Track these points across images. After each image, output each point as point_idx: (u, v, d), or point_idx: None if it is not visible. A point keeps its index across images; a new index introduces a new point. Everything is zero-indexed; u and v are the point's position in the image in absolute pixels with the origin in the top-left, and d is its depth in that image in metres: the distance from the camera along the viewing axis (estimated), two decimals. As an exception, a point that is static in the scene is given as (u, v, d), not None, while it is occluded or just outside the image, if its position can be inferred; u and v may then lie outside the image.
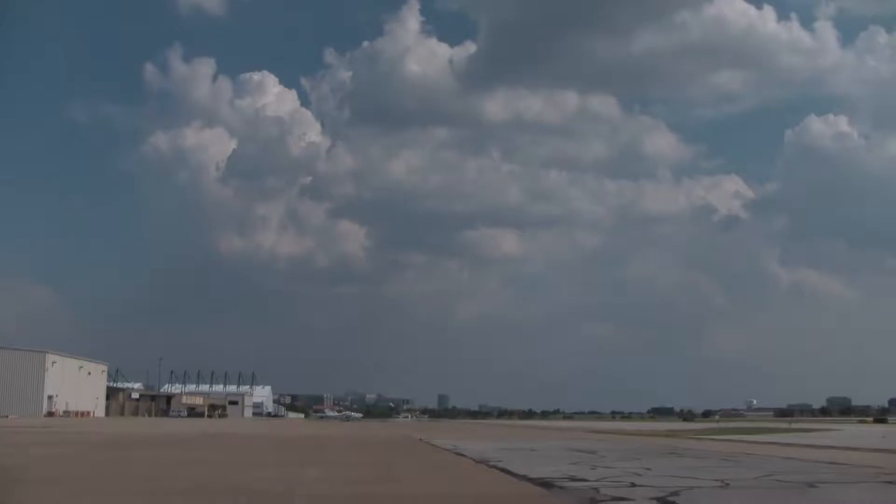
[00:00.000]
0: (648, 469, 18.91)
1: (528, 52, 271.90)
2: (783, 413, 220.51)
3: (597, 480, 15.67)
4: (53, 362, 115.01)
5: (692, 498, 12.53)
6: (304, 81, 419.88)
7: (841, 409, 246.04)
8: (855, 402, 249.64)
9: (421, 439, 41.42)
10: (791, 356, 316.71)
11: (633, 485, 14.86)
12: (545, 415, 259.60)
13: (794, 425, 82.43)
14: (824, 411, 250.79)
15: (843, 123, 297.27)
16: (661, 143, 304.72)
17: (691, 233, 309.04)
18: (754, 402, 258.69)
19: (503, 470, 18.89)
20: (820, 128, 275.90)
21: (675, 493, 13.02)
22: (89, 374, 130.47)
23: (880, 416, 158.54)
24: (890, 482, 15.63)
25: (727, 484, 15.19)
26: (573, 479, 16.24)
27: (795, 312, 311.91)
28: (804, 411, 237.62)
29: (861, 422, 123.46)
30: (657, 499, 12.36)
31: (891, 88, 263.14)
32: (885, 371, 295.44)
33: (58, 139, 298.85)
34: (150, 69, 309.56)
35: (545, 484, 15.07)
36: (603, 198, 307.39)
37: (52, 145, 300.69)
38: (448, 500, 13.01)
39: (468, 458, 24.02)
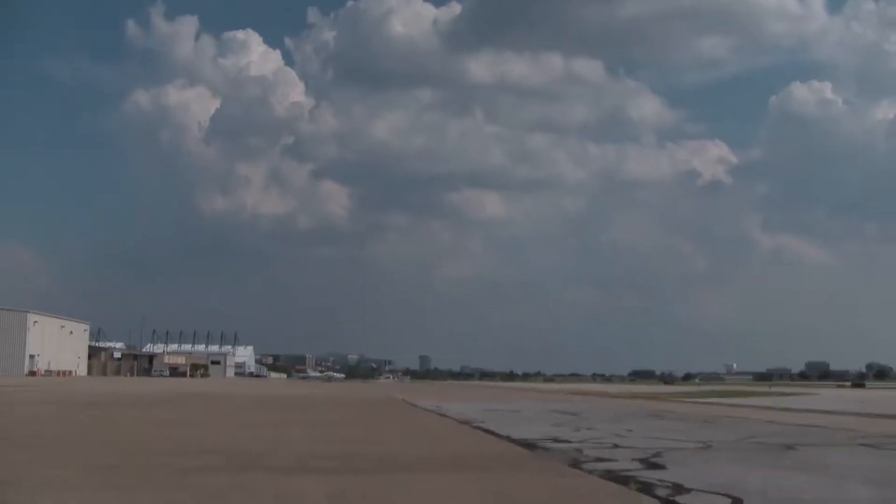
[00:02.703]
0: (630, 431, 19.07)
1: (514, 14, 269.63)
2: (762, 377, 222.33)
3: (580, 442, 15.78)
4: (35, 322, 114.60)
5: (674, 459, 12.61)
6: (287, 41, 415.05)
7: (819, 373, 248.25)
8: (833, 367, 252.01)
9: (403, 400, 41.59)
10: (771, 321, 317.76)
11: (616, 446, 14.99)
12: (526, 377, 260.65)
13: (773, 389, 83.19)
14: (803, 376, 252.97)
15: (827, 90, 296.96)
16: (646, 107, 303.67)
17: (675, 197, 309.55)
18: (734, 365, 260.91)
19: (486, 431, 19.00)
20: (804, 94, 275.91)
21: (658, 454, 13.12)
22: (71, 333, 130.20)
23: (858, 381, 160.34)
24: (867, 445, 15.78)
25: (709, 445, 15.34)
26: (556, 440, 16.35)
27: (776, 278, 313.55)
28: (783, 375, 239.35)
29: (839, 386, 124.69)
30: (640, 460, 12.44)
31: (875, 55, 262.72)
32: (863, 336, 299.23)
33: (38, 97, 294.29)
34: (131, 26, 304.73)
35: (528, 445, 15.15)
36: (586, 161, 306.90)
37: (33, 104, 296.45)
38: (432, 461, 13.05)
39: (451, 419, 24.14)
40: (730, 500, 8.76)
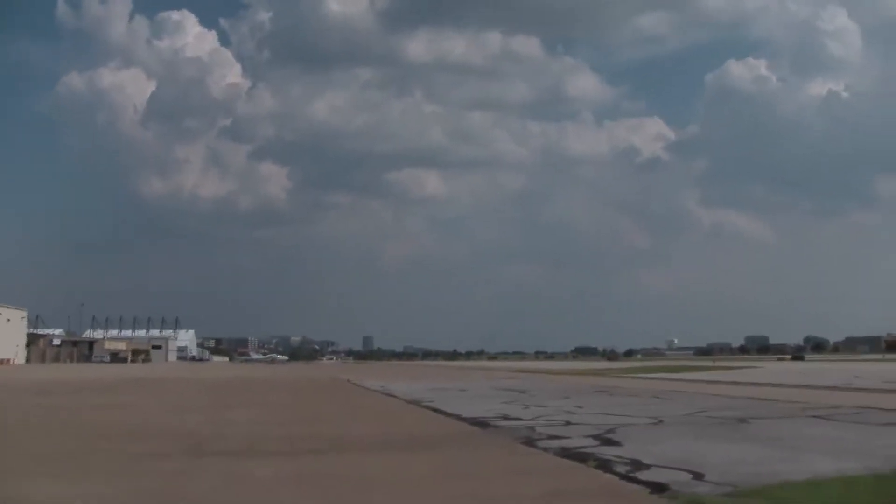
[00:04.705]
0: (580, 407, 18.95)
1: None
2: (703, 352, 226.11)
3: (531, 419, 15.61)
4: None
5: (629, 435, 12.46)
6: (223, 21, 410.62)
7: (759, 347, 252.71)
8: (772, 341, 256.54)
9: (349, 380, 41.29)
10: (710, 296, 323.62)
11: (568, 423, 14.82)
12: (469, 356, 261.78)
13: (716, 363, 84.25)
14: (743, 349, 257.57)
15: (762, 67, 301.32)
16: (585, 84, 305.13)
17: (614, 174, 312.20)
18: (675, 341, 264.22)
19: (436, 410, 18.78)
20: (740, 71, 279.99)
21: (611, 430, 12.97)
22: (8, 320, 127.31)
23: (797, 354, 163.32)
24: (818, 416, 15.79)
25: (660, 420, 15.23)
26: (506, 417, 16.17)
27: (715, 253, 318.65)
28: (723, 349, 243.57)
29: (780, 360, 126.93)
30: (594, 436, 12.28)
31: (809, 33, 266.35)
32: (800, 310, 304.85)
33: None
34: (62, 7, 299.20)
35: (480, 423, 14.94)
36: (526, 139, 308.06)
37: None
38: (383, 441, 12.77)
39: (398, 399, 23.92)
40: (691, 475, 8.58)
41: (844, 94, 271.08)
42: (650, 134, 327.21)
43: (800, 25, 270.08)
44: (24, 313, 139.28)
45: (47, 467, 9.76)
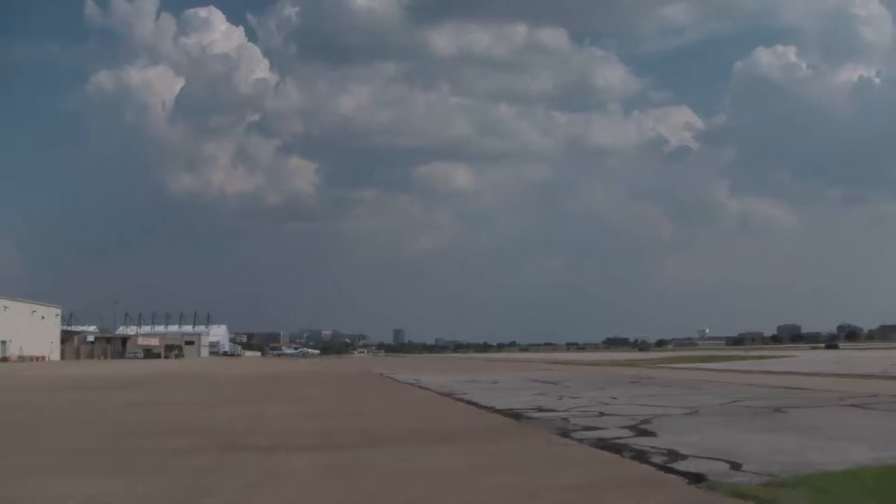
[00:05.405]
0: (615, 398, 18.90)
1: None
2: (735, 341, 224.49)
3: (565, 411, 15.58)
4: (5, 307, 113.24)
5: (664, 425, 12.42)
6: (250, 17, 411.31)
7: (791, 336, 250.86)
8: (804, 330, 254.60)
9: (381, 374, 41.39)
10: (741, 285, 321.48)
11: (602, 414, 14.78)
12: (500, 347, 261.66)
13: (749, 353, 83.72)
14: (775, 339, 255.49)
15: (791, 54, 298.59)
16: (612, 75, 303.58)
17: (642, 164, 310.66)
18: (707, 330, 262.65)
19: (469, 402, 18.78)
20: (768, 59, 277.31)
21: (647, 421, 12.94)
22: (43, 318, 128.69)
23: (831, 343, 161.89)
24: (855, 405, 15.68)
25: (696, 410, 15.15)
26: (541, 409, 16.15)
27: (744, 242, 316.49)
28: (755, 339, 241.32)
29: (813, 348, 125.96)
30: (629, 427, 12.25)
31: (839, 19, 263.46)
32: (832, 298, 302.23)
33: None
34: (90, 5, 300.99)
35: (514, 415, 14.93)
36: (553, 131, 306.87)
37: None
38: (418, 434, 12.79)
39: (432, 392, 23.93)
40: (728, 465, 8.55)
41: (876, 81, 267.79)
42: (678, 123, 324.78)
43: (830, 12, 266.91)
44: (59, 311, 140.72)
45: (82, 464, 9.83)
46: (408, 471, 8.99)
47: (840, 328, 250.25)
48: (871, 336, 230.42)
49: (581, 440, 10.99)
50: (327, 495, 7.82)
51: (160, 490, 8.05)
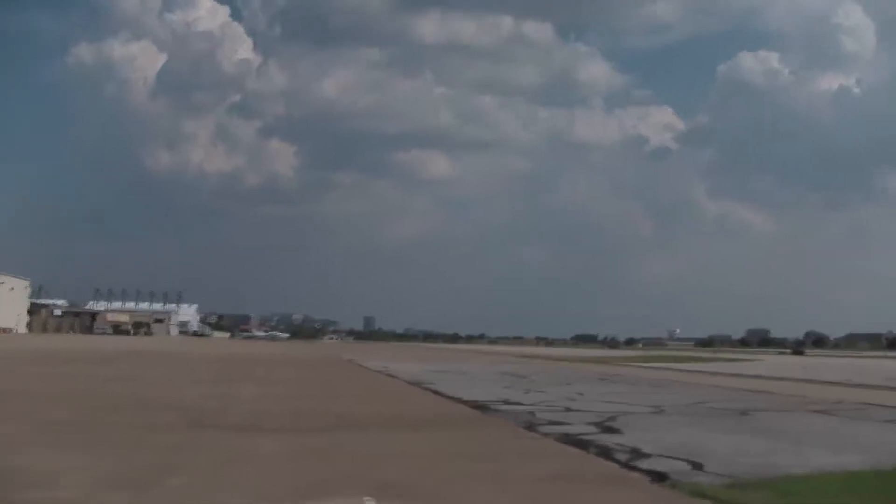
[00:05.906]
0: (581, 394, 18.97)
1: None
2: (704, 343, 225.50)
3: (531, 404, 15.63)
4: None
5: (629, 423, 12.47)
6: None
7: (759, 340, 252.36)
8: (773, 335, 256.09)
9: (350, 360, 41.35)
10: (713, 287, 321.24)
11: (569, 409, 14.84)
12: (470, 339, 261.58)
13: (718, 355, 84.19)
14: (744, 342, 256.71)
15: (774, 60, 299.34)
16: (595, 71, 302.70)
17: (622, 162, 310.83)
18: (677, 331, 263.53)
19: (436, 392, 18.82)
20: (751, 63, 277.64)
21: (612, 419, 12.99)
22: (11, 289, 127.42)
23: (798, 349, 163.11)
24: (818, 411, 15.80)
25: (661, 409, 15.25)
26: (507, 402, 16.20)
27: (720, 245, 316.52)
28: (724, 342, 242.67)
29: (780, 353, 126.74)
30: (595, 423, 12.30)
31: (822, 26, 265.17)
32: (802, 305, 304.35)
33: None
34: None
35: (480, 407, 14.97)
36: (534, 124, 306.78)
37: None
38: (386, 420, 12.79)
39: (400, 380, 23.95)
40: (691, 465, 8.59)
41: (856, 90, 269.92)
42: (659, 123, 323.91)
43: (813, 18, 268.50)
44: (27, 283, 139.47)
45: (53, 436, 9.81)
46: (377, 455, 9.00)
47: (808, 335, 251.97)
48: (838, 344, 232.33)
49: (546, 434, 11.05)
50: (297, 475, 7.78)
51: (127, 466, 8.00)
